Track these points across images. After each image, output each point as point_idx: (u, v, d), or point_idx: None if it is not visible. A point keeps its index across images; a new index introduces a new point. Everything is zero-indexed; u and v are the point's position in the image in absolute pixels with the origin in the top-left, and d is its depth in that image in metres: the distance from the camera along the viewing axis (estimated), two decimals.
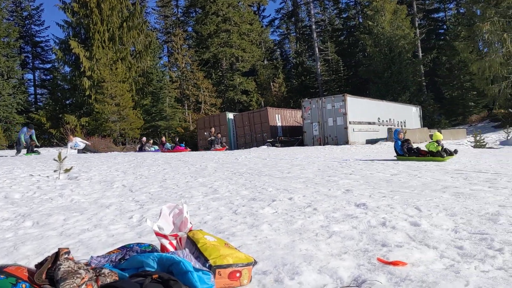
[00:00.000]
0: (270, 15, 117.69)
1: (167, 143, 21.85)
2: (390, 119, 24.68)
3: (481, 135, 21.20)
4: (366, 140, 21.60)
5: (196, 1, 40.39)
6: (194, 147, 27.61)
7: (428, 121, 31.53)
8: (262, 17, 50.84)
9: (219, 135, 22.17)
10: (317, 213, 4.13)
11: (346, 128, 20.95)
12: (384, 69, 33.53)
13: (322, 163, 9.76)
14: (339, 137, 21.14)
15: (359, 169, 8.23)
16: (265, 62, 45.22)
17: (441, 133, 10.98)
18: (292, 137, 24.49)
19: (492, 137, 24.31)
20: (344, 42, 45.64)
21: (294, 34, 51.57)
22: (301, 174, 7.58)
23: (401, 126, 24.85)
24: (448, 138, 23.31)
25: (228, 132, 25.84)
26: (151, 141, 23.71)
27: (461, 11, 40.26)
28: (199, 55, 38.63)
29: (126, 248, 2.41)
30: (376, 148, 17.91)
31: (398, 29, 33.97)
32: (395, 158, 10.73)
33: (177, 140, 22.23)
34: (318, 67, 41.64)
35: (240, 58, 40.07)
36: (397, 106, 26.74)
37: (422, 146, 11.50)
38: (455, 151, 10.19)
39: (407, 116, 26.95)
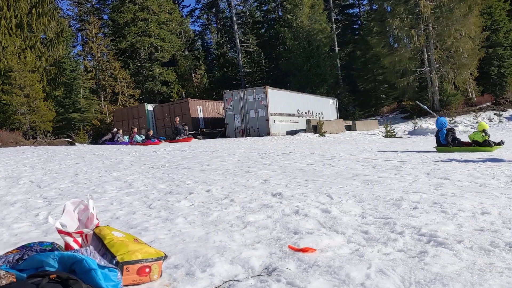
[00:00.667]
0: (190, 5, 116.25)
1: (137, 135, 19.65)
2: (309, 111, 25.45)
3: (392, 125, 22.57)
4: (287, 131, 22.12)
5: None
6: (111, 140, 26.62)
7: (344, 113, 32.97)
8: (182, 6, 50.16)
9: (186, 126, 20.94)
10: (234, 204, 4.15)
11: (267, 119, 21.28)
12: (303, 62, 34.46)
13: (243, 155, 9.84)
14: (261, 129, 21.44)
15: (278, 159, 8.40)
16: (186, 52, 44.58)
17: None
18: (215, 129, 24.44)
19: (401, 128, 25.97)
20: (265, 34, 46.21)
21: (215, 25, 51.34)
22: (221, 166, 7.58)
23: (319, 117, 25.74)
24: (361, 129, 24.57)
25: (147, 124, 25.19)
26: (121, 131, 21.84)
27: (373, 7, 42.45)
28: (115, 44, 37.15)
29: (26, 247, 2.25)
30: (296, 139, 18.39)
31: (316, 23, 35.03)
32: (434, 149, 9.65)
33: (149, 132, 20.00)
34: (240, 59, 41.83)
35: (159, 48, 39.13)
36: (315, 98, 27.64)
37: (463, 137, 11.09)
38: (502, 142, 9.26)
39: (325, 108, 27.97)
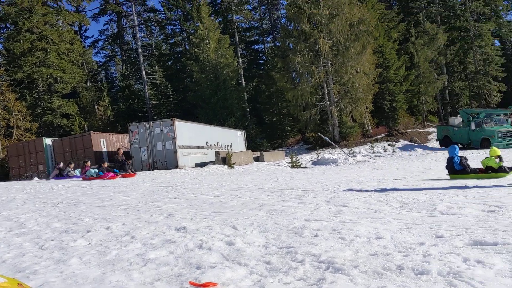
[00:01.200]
0: (93, 35, 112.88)
1: (91, 169, 17.28)
2: (218, 143, 25.55)
3: (297, 156, 23.38)
4: (196, 163, 21.92)
5: (7, 16, 36.34)
6: (6, 177, 24.44)
7: (252, 144, 33.59)
8: (84, 37, 48.30)
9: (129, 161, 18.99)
10: (135, 241, 3.96)
11: (175, 152, 20.96)
12: (211, 94, 34.78)
13: (148, 188, 9.53)
14: (169, 162, 21.02)
15: (184, 192, 8.25)
16: (88, 84, 42.81)
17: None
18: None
19: (305, 158, 26.97)
20: (172, 67, 46.08)
21: (120, 56, 50.18)
22: (123, 201, 7.25)
23: (228, 149, 25.93)
24: (269, 160, 25.15)
25: (46, 160, 23.54)
26: (72, 165, 19.27)
27: (277, 44, 44.43)
28: (10, 75, 34.63)
29: None
30: (205, 171, 18.28)
31: (223, 58, 35.73)
32: (448, 177, 9.35)
33: (103, 164, 17.68)
34: (146, 91, 41.13)
35: (59, 79, 37.14)
36: (224, 130, 27.88)
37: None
38: None
39: (233, 139, 28.29)
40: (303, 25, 29.24)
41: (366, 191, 7.07)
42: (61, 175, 18.24)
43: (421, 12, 42.00)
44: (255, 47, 51.46)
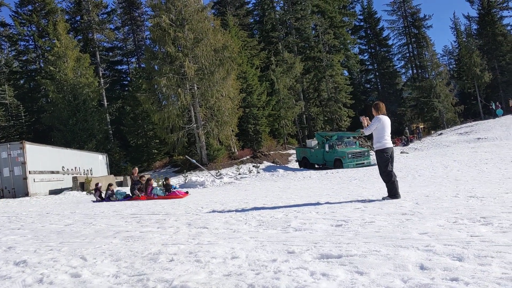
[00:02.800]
0: None
1: (156, 187, 14.41)
2: (76, 168, 23.83)
3: (164, 180, 22.87)
4: (50, 190, 20.13)
5: None
6: None
7: (115, 168, 32.06)
8: None
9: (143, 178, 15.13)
10: None
11: (25, 178, 18.99)
12: (69, 116, 32.51)
13: None
14: (17, 189, 18.95)
15: (30, 222, 7.42)
16: None
17: None
18: None
19: (173, 181, 26.55)
20: (24, 86, 42.17)
21: None
22: None
23: (88, 174, 24.35)
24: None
25: None
26: (112, 186, 15.35)
27: (142, 65, 43.55)
28: None
29: None
30: (60, 199, 16.82)
31: (82, 77, 33.80)
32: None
33: (167, 181, 14.93)
34: None
35: None
36: (83, 154, 26.15)
37: None
38: None
39: (94, 163, 26.67)
40: (168, 48, 29.13)
41: (228, 211, 7.13)
42: (101, 198, 14.67)
43: (280, 42, 44.98)
44: (119, 67, 49.91)
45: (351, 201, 7.51)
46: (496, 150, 23.40)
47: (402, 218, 5.07)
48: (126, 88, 45.39)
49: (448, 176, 14.45)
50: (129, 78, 47.43)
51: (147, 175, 16.38)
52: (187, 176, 25.22)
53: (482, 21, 54.42)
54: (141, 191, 14.02)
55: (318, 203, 7.50)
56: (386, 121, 7.41)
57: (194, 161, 27.72)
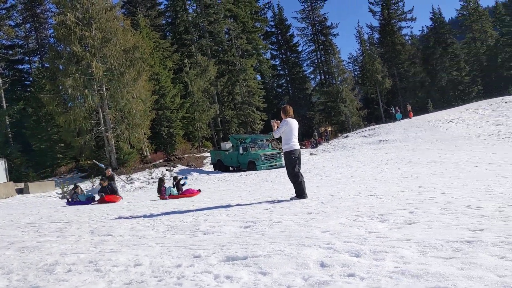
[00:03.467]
0: None
1: (170, 187, 13.75)
2: None
3: (69, 186, 21.61)
4: None
5: None
6: None
7: (15, 175, 29.71)
8: None
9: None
10: None
11: None
12: None
13: None
14: None
15: None
16: None
17: None
18: None
19: (82, 187, 25.20)
20: None
21: None
22: None
23: None
24: (36, 191, 22.60)
25: None
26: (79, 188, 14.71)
27: (45, 65, 40.89)
28: None
29: None
30: None
31: None
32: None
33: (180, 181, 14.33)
34: None
35: None
36: None
37: None
38: None
39: None
40: (74, 47, 27.62)
41: (136, 217, 6.89)
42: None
43: (193, 45, 44.71)
44: (20, 66, 46.38)
45: (261, 202, 7.62)
46: (395, 152, 25.20)
47: (307, 217, 5.23)
48: (28, 89, 42.34)
49: (353, 176, 15.26)
50: (31, 78, 44.26)
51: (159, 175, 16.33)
52: (95, 181, 24.10)
53: (383, 31, 58.44)
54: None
55: (229, 205, 7.51)
56: (293, 123, 7.54)
57: (103, 165, 26.47)
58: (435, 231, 3.68)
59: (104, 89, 29.10)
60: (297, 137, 7.57)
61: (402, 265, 2.75)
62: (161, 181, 14.64)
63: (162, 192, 13.62)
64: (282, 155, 8.19)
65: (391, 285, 2.40)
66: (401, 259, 2.91)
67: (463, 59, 58.29)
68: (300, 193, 7.44)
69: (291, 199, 7.49)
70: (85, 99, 28.29)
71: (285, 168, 8.07)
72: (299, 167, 7.51)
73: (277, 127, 7.62)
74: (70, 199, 13.87)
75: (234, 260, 3.33)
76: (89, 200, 13.62)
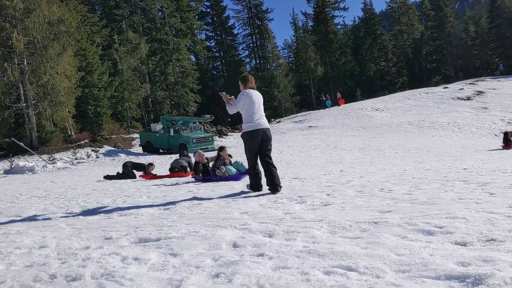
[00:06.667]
0: None
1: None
2: None
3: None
4: None
5: None
6: None
7: None
8: None
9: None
10: None
11: None
12: None
13: None
14: None
15: None
16: None
17: None
18: None
19: None
20: None
21: None
22: None
23: None
24: None
25: None
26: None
27: None
28: None
29: None
30: None
31: None
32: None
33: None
34: None
35: None
36: None
37: None
38: None
39: None
40: None
41: (50, 198, 6.53)
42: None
43: (124, 21, 42.90)
44: None
45: (186, 183, 7.53)
46: (324, 137, 25.98)
47: (229, 200, 5.23)
48: None
49: (282, 160, 15.53)
50: None
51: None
52: (13, 161, 22.67)
53: (317, 19, 59.50)
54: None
55: (151, 186, 7.35)
56: (255, 96, 5.88)
57: (22, 144, 24.98)
58: (347, 213, 3.80)
59: (25, 63, 27.23)
60: (263, 114, 5.96)
61: (311, 245, 2.80)
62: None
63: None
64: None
65: (297, 264, 2.43)
66: (311, 239, 2.97)
67: (391, 50, 60.96)
68: (255, 185, 5.92)
69: (247, 186, 6.13)
70: (4, 72, 26.33)
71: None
72: (268, 152, 5.80)
73: (231, 100, 5.96)
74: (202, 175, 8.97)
75: (146, 242, 3.24)
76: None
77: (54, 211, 5.18)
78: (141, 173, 10.82)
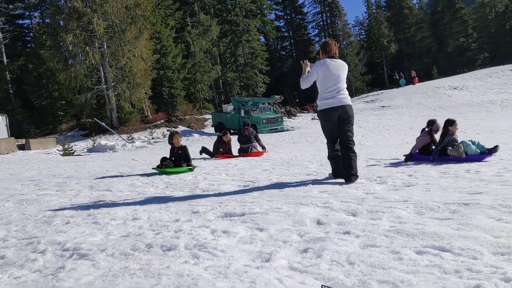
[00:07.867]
0: None
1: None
2: None
3: (70, 143, 21.69)
4: None
5: None
6: None
7: (16, 131, 29.72)
8: None
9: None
10: None
11: None
12: None
13: None
14: None
15: None
16: None
17: None
18: None
19: (81, 145, 25.28)
20: None
21: None
22: None
23: None
24: (37, 148, 22.68)
25: None
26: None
27: (46, 20, 40.22)
28: None
29: None
30: None
31: None
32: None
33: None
34: None
35: None
36: None
37: None
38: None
39: None
40: (75, 3, 27.00)
41: (135, 175, 6.91)
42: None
43: (196, 3, 43.63)
44: (21, 21, 45.57)
45: (261, 163, 7.64)
46: (397, 118, 25.10)
47: (306, 178, 5.25)
48: (29, 45, 41.66)
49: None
50: (32, 34, 43.57)
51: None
52: (96, 140, 24.15)
53: None
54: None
55: (228, 165, 7.54)
56: (334, 66, 4.84)
57: (104, 124, 26.57)
58: (432, 194, 3.68)
59: (105, 46, 28.68)
60: (343, 87, 4.90)
61: (398, 225, 2.76)
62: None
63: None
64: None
65: (386, 243, 2.41)
66: (397, 219, 2.92)
67: (471, 25, 57.09)
68: (336, 171, 5.07)
69: (329, 174, 5.35)
70: (86, 56, 27.93)
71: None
72: (348, 134, 5.00)
73: (308, 70, 5.01)
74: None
75: (232, 216, 3.35)
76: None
77: (140, 185, 5.49)
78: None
